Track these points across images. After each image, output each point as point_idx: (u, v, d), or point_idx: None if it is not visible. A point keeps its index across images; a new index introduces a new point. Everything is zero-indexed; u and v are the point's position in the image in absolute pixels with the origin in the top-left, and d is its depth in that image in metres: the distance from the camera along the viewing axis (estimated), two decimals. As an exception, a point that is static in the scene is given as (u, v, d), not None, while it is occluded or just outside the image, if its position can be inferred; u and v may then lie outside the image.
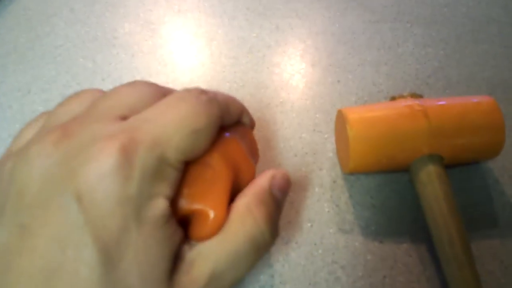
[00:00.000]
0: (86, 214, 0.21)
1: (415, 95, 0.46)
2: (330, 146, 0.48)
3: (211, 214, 0.31)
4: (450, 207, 0.39)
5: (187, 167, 0.33)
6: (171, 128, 0.24)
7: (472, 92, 0.52)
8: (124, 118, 0.25)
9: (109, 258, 0.21)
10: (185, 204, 0.32)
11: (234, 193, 0.35)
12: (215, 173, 0.33)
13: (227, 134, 0.36)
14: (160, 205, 0.23)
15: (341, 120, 0.44)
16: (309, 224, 0.42)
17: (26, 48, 0.57)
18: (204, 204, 0.32)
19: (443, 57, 0.56)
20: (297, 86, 0.53)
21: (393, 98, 0.46)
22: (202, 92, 0.28)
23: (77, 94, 0.29)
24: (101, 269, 0.20)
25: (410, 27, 0.60)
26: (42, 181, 0.21)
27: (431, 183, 0.41)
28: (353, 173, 0.45)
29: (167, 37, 0.58)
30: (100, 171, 0.21)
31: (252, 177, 0.36)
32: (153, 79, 0.53)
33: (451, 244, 0.38)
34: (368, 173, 0.46)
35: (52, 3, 0.63)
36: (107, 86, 0.52)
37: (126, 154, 0.22)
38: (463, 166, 0.46)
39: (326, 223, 0.42)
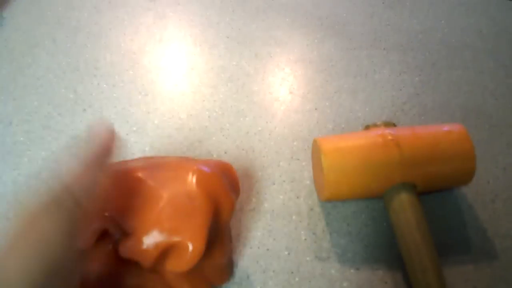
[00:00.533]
0: None
1: (388, 124, 0.47)
2: (307, 174, 0.49)
3: (190, 246, 0.33)
4: (422, 235, 0.40)
5: (170, 201, 0.34)
6: None
7: (446, 118, 0.54)
8: None
9: None
10: (166, 237, 0.33)
11: (214, 225, 0.36)
12: (195, 207, 0.34)
13: (207, 170, 0.36)
14: None
15: (316, 149, 0.45)
16: (286, 252, 0.43)
17: (8, 79, 0.57)
18: (183, 236, 0.33)
19: (418, 83, 0.58)
20: (276, 114, 0.54)
21: (367, 127, 0.48)
22: None
23: None
24: None
25: (387, 54, 0.61)
26: None
27: (403, 211, 0.42)
28: (329, 200, 0.46)
29: (148, 67, 0.59)
30: None
31: (232, 210, 0.37)
32: (133, 109, 0.54)
33: (423, 272, 0.39)
34: (345, 200, 0.47)
35: (34, 33, 0.63)
36: (88, 117, 0.53)
37: None
38: (437, 193, 0.47)
39: (303, 251, 0.43)
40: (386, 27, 0.65)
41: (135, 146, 0.50)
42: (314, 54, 0.61)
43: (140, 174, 0.35)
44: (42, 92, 0.56)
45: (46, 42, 0.62)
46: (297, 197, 0.47)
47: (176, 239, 0.34)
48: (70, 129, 0.52)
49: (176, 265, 0.34)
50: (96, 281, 0.35)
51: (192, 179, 0.35)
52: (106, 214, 0.33)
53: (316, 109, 0.55)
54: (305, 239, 0.44)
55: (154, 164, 0.37)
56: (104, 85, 0.57)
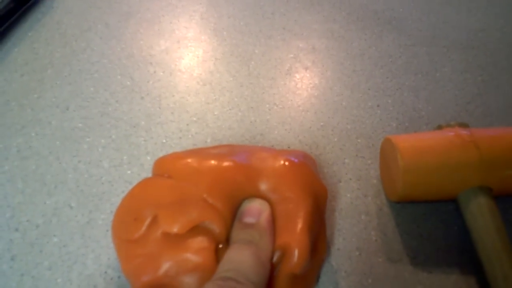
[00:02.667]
0: None
1: (462, 124, 0.46)
2: (373, 172, 0.47)
3: (295, 254, 0.32)
4: (503, 241, 0.39)
5: (274, 208, 0.34)
6: None
7: (512, 119, 0.52)
8: None
9: None
10: (276, 240, 0.33)
11: (316, 218, 0.35)
12: (294, 206, 0.33)
13: (295, 160, 0.35)
14: None
15: (390, 148, 0.43)
16: (357, 253, 0.42)
17: (62, 64, 0.56)
18: (286, 242, 0.33)
19: (481, 83, 0.56)
20: (337, 110, 0.53)
21: (439, 127, 0.46)
22: None
23: None
24: None
25: (447, 52, 0.60)
26: None
27: (482, 216, 0.40)
28: (400, 201, 0.45)
29: (204, 56, 0.58)
30: None
31: (326, 196, 0.36)
32: (192, 99, 0.53)
33: (505, 279, 0.37)
34: (414, 202, 0.45)
35: (85, 16, 0.62)
36: (146, 104, 0.52)
37: None
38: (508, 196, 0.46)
39: (374, 252, 0.42)
40: (444, 24, 0.64)
41: (197, 137, 0.49)
42: (373, 49, 0.60)
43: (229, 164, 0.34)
44: (98, 78, 0.55)
45: (99, 26, 0.61)
46: (365, 196, 0.46)
47: (280, 243, 0.34)
48: (129, 117, 0.51)
49: (286, 268, 0.33)
50: None
51: (284, 172, 0.34)
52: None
53: (378, 106, 0.53)
54: (376, 240, 0.43)
55: (239, 152, 0.36)
56: (161, 73, 0.55)
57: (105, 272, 0.39)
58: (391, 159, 0.43)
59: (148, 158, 0.47)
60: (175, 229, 0.32)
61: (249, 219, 0.34)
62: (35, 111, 0.51)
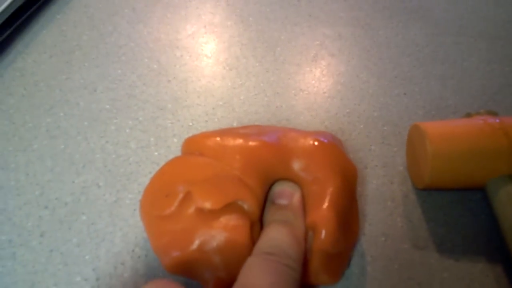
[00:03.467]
0: None
1: (491, 112, 0.45)
2: (400, 159, 0.47)
3: (322, 232, 0.32)
4: (532, 229, 0.39)
5: (304, 188, 0.35)
6: None
7: (541, 111, 0.52)
8: None
9: None
10: (306, 220, 0.33)
11: (348, 195, 0.35)
12: (322, 185, 0.33)
13: (325, 140, 0.35)
14: None
15: (418, 134, 0.43)
16: (383, 238, 0.42)
17: (90, 46, 0.57)
18: (313, 220, 0.33)
19: (509, 73, 0.55)
20: (364, 97, 0.52)
21: (468, 115, 0.46)
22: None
23: None
24: None
25: (474, 42, 0.59)
26: None
27: (511, 204, 0.40)
28: (427, 189, 0.45)
29: (230, 41, 0.58)
30: None
31: (356, 175, 0.37)
32: (218, 83, 0.53)
33: (534, 267, 0.37)
34: (441, 190, 0.45)
35: (112, 1, 0.63)
36: (173, 88, 0.52)
37: None
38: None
39: (400, 238, 0.42)
40: (471, 14, 0.63)
41: (223, 121, 0.49)
42: (399, 38, 0.59)
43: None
44: (125, 61, 0.55)
45: (126, 10, 0.61)
46: (391, 183, 0.46)
47: (309, 222, 0.34)
48: (156, 99, 0.51)
49: (317, 246, 0.34)
50: None
51: (314, 151, 0.35)
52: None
53: (404, 94, 0.53)
54: (402, 226, 0.43)
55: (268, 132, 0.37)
56: (187, 57, 0.56)
57: (133, 251, 0.39)
58: (419, 145, 0.43)
59: (175, 140, 0.47)
60: (209, 205, 0.32)
61: (282, 201, 0.35)
62: (64, 92, 0.51)
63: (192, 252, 0.31)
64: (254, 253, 0.31)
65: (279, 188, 0.36)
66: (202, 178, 0.33)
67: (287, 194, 0.35)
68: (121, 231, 0.41)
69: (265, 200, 0.36)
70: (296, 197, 0.35)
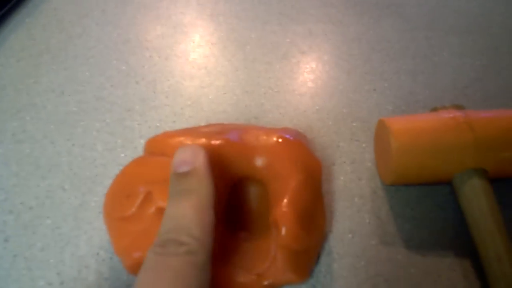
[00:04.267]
0: None
1: (457, 106, 0.45)
2: (368, 155, 0.47)
3: (283, 228, 0.32)
4: (497, 223, 0.38)
5: (268, 185, 0.34)
6: None
7: (511, 103, 0.52)
8: None
9: None
10: (269, 218, 0.33)
11: (312, 191, 0.35)
12: (284, 182, 0.33)
13: (288, 137, 0.35)
14: None
15: (383, 130, 0.43)
16: (350, 235, 0.42)
17: (59, 49, 0.56)
18: (274, 217, 0.33)
19: (480, 67, 0.55)
20: (333, 94, 0.52)
21: (434, 109, 0.46)
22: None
23: None
24: None
25: (445, 36, 0.59)
26: None
27: (476, 197, 0.40)
28: (394, 184, 0.45)
29: (200, 41, 0.58)
30: None
31: (320, 171, 0.36)
32: (187, 83, 0.52)
33: (499, 261, 0.37)
34: (409, 185, 0.45)
35: (82, 3, 0.62)
36: (141, 89, 0.52)
37: None
38: (505, 179, 0.45)
39: (367, 234, 0.42)
40: (443, 9, 0.63)
41: (191, 120, 0.49)
42: (371, 33, 0.59)
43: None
44: (94, 63, 0.55)
45: (96, 12, 0.61)
46: (359, 179, 0.45)
47: (272, 220, 0.34)
48: (123, 101, 0.51)
49: (280, 242, 0.34)
50: None
51: (277, 148, 0.34)
52: None
53: (374, 90, 0.53)
54: (369, 223, 0.42)
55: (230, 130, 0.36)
56: (157, 58, 0.55)
57: (97, 254, 0.39)
58: (385, 141, 0.42)
59: (142, 141, 0.47)
60: None
61: (183, 168, 0.31)
62: (31, 95, 0.51)
63: None
64: (153, 244, 0.28)
65: (178, 155, 0.32)
66: (162, 178, 0.33)
67: (188, 160, 0.31)
68: (86, 235, 0.40)
69: (228, 198, 0.36)
70: (199, 160, 0.31)
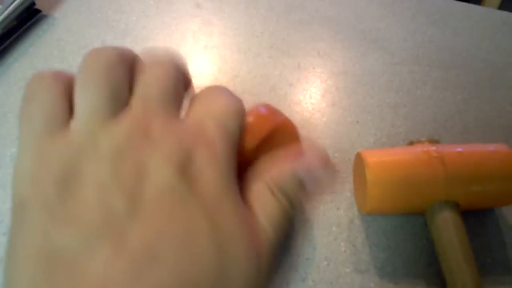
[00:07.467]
0: None
1: (432, 141, 0.47)
2: (348, 185, 0.49)
3: None
4: (465, 255, 0.40)
5: None
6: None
7: (489, 137, 0.54)
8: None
9: None
10: None
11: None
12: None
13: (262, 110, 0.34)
14: None
15: (360, 162, 0.45)
16: (325, 263, 0.43)
17: (59, 78, 0.59)
18: None
19: (461, 101, 0.58)
20: (317, 125, 0.54)
21: (411, 143, 0.48)
22: None
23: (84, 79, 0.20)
24: None
25: (429, 71, 0.61)
26: None
27: (446, 229, 0.42)
28: (371, 214, 0.47)
29: (194, 72, 0.60)
30: None
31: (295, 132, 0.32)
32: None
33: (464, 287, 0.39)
34: (385, 215, 0.47)
35: (83, 34, 0.65)
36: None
37: None
38: (478, 211, 0.47)
39: (342, 262, 0.44)
40: (429, 44, 0.65)
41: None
42: (357, 67, 0.62)
43: None
44: (91, 92, 0.57)
45: (96, 44, 0.64)
46: (337, 209, 0.47)
47: None
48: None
49: None
50: None
51: None
52: None
53: (357, 122, 0.55)
54: (345, 251, 0.44)
55: None
56: (151, 88, 0.58)
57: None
58: (361, 173, 0.45)
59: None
60: None
61: None
62: (30, 122, 0.54)
63: None
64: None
65: None
66: None
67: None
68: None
69: None
70: None
